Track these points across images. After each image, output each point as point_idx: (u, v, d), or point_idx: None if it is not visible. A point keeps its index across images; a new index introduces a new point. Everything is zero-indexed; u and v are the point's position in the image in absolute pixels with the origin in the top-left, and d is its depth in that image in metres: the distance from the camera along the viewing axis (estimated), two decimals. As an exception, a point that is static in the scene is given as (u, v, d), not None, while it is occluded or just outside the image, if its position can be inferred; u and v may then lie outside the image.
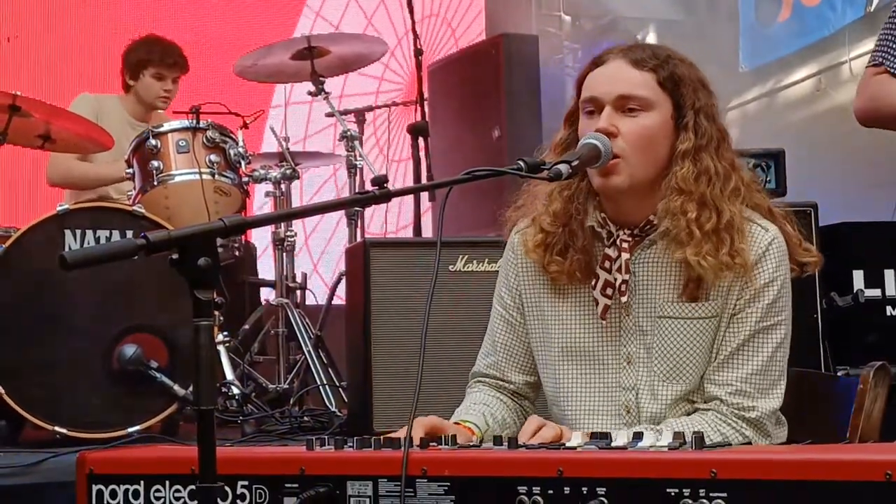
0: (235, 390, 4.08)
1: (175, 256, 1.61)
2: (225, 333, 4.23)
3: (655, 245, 2.20)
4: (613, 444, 1.74)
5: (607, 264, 2.21)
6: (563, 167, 2.05)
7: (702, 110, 2.19)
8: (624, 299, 2.19)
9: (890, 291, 4.01)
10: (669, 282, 2.18)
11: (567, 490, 1.65)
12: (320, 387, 4.33)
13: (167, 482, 1.87)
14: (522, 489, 1.67)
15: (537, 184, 2.29)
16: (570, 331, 2.26)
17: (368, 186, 4.54)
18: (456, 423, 2.21)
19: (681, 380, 2.17)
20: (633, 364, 2.20)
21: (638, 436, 1.75)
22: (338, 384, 4.34)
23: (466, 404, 2.32)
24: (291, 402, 4.34)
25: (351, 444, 1.84)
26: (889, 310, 4.01)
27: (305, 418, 4.22)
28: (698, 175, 2.15)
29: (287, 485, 1.80)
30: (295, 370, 4.53)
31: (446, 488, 1.72)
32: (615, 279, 2.20)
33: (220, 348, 4.13)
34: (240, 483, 1.83)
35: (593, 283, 2.22)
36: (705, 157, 2.16)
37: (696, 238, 2.11)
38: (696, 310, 2.16)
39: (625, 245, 2.19)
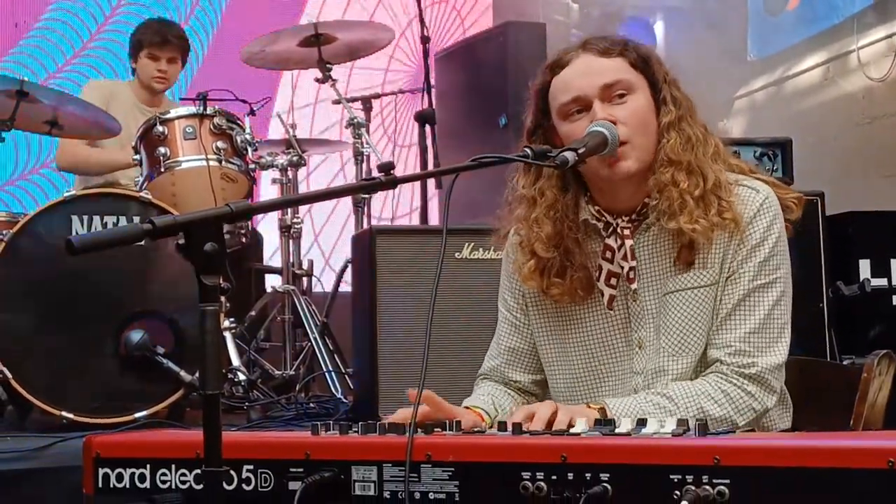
0: (241, 376, 4.09)
1: (181, 241, 1.61)
2: (231, 320, 4.24)
3: (653, 227, 2.20)
4: (617, 431, 1.75)
5: (609, 255, 2.21)
6: (570, 154, 2.05)
7: (672, 82, 2.22)
8: (634, 286, 2.19)
9: (896, 281, 4.02)
10: (669, 258, 2.19)
11: (570, 476, 1.65)
12: (326, 373, 4.34)
13: (173, 466, 1.88)
14: (526, 475, 1.68)
15: (516, 206, 2.29)
16: (580, 325, 2.26)
17: (375, 173, 4.53)
18: (465, 408, 2.22)
19: (687, 352, 2.17)
20: (644, 348, 2.21)
21: (642, 422, 1.76)
22: (343, 371, 4.34)
23: (474, 395, 2.34)
24: (297, 388, 4.35)
25: (356, 429, 1.85)
26: (895, 299, 4.01)
27: (311, 405, 4.23)
28: (684, 144, 2.17)
29: (292, 469, 1.81)
30: (301, 357, 4.54)
31: (450, 473, 1.72)
32: (621, 267, 2.20)
33: (227, 335, 4.14)
34: (245, 467, 1.83)
35: (597, 274, 2.23)
36: (685, 125, 2.19)
37: (689, 206, 2.13)
38: (696, 278, 2.17)
39: (626, 232, 2.20)
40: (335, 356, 4.48)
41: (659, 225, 2.19)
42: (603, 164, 2.15)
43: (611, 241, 2.21)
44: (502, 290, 2.38)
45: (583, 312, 2.26)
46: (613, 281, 2.21)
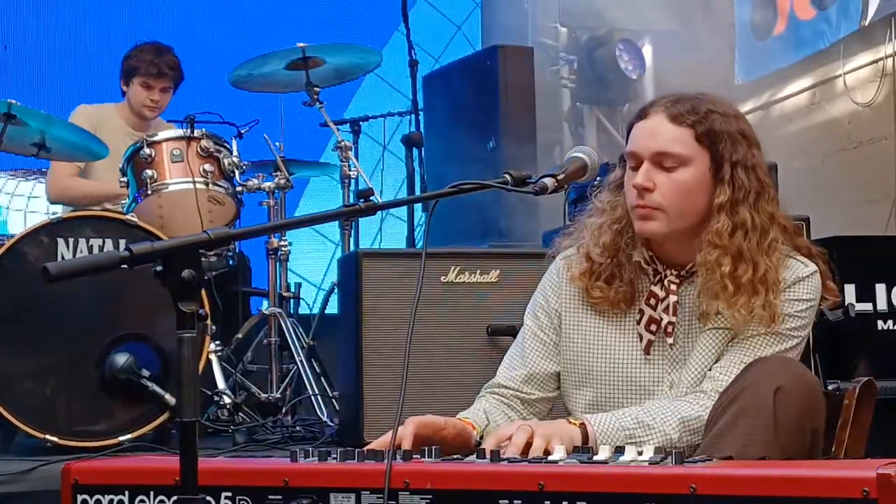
0: (227, 399, 4.08)
1: (159, 269, 1.62)
2: (217, 342, 4.23)
3: (695, 284, 2.25)
4: (595, 459, 1.75)
5: (652, 301, 2.26)
6: (549, 180, 2.08)
7: (739, 163, 2.22)
8: (670, 340, 2.24)
9: (881, 306, 4.02)
10: (702, 310, 2.24)
11: (548, 504, 1.66)
12: (312, 396, 4.33)
13: (151, 493, 1.88)
14: (503, 502, 1.68)
15: (590, 214, 2.35)
16: (614, 360, 2.30)
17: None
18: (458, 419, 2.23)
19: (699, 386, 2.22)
20: (674, 388, 2.26)
21: (619, 450, 1.76)
22: (330, 394, 4.34)
23: (472, 409, 2.34)
24: (283, 411, 4.34)
25: (335, 455, 1.85)
26: (880, 324, 4.02)
27: (297, 428, 4.22)
28: (734, 229, 2.20)
29: (270, 496, 1.81)
30: (287, 379, 4.53)
31: (428, 501, 1.73)
32: (661, 318, 2.25)
33: (213, 357, 4.13)
34: (223, 494, 1.84)
35: (638, 318, 2.27)
36: (742, 209, 2.21)
37: (729, 291, 2.17)
38: (721, 320, 2.22)
39: (672, 287, 2.25)
40: (322, 379, 4.47)
41: (701, 299, 2.23)
42: (634, 218, 2.23)
43: (657, 289, 2.26)
44: (536, 307, 2.40)
45: (620, 349, 2.30)
46: (653, 327, 2.26)
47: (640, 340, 2.27)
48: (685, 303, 2.26)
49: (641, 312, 2.27)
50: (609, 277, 2.28)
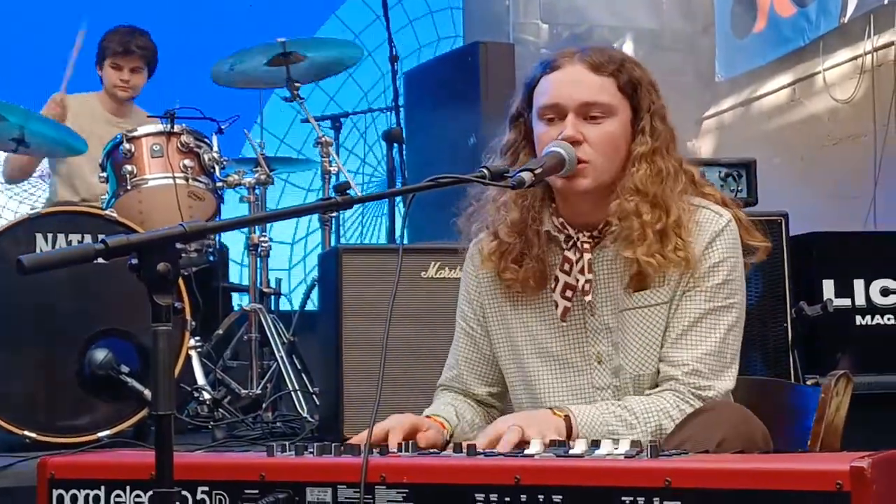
0: (206, 395, 4.08)
1: (134, 261, 1.61)
2: (197, 338, 4.23)
3: (611, 247, 2.21)
4: (571, 452, 1.76)
5: (567, 267, 2.22)
6: (527, 175, 2.07)
7: (656, 113, 2.22)
8: (588, 298, 2.20)
9: (859, 301, 4.05)
10: (624, 278, 2.20)
11: (524, 498, 1.66)
12: (292, 392, 4.33)
13: (127, 487, 1.88)
14: (480, 496, 1.68)
15: (486, 189, 2.29)
16: (536, 336, 2.26)
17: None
18: (427, 416, 2.23)
19: (648, 368, 2.18)
20: (603, 363, 2.22)
21: (595, 443, 1.76)
22: (310, 390, 4.33)
23: (435, 405, 2.33)
24: (263, 407, 4.33)
25: (311, 450, 1.85)
26: (858, 319, 4.04)
27: (277, 424, 4.22)
28: (654, 176, 2.18)
29: (247, 491, 1.81)
30: (268, 376, 4.52)
31: (405, 495, 1.73)
32: (577, 280, 2.21)
33: (193, 353, 4.12)
34: (199, 489, 1.83)
35: (553, 285, 2.24)
36: (658, 158, 2.19)
37: (649, 240, 2.14)
38: (652, 296, 2.18)
39: (585, 246, 2.21)
40: (302, 375, 4.46)
41: (615, 247, 2.20)
42: (559, 176, 2.17)
43: (570, 254, 2.22)
44: (461, 301, 2.39)
45: (540, 324, 2.26)
46: (569, 293, 2.22)
47: (556, 308, 2.23)
48: (600, 268, 2.21)
49: (556, 280, 2.22)
50: (518, 257, 2.24)
